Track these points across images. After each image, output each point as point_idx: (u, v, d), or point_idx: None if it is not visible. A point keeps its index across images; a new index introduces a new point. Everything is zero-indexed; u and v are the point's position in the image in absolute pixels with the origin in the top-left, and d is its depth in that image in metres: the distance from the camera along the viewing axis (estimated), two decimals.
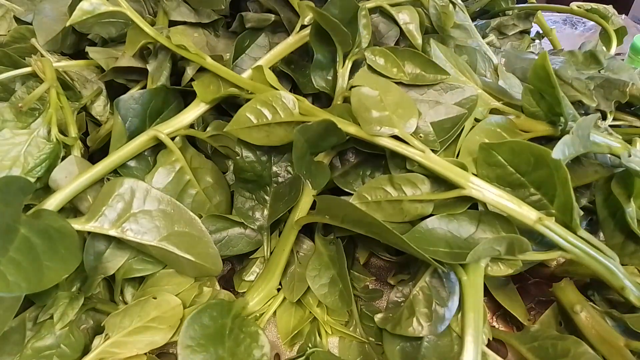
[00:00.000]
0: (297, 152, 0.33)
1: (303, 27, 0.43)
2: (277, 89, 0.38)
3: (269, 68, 0.41)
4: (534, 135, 0.37)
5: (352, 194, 0.38)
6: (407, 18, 0.44)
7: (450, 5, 0.46)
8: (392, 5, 0.44)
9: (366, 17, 0.39)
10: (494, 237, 0.32)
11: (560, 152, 0.31)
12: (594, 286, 0.37)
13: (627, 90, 0.44)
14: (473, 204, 0.33)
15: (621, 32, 0.60)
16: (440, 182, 0.34)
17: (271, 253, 0.40)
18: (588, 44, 0.55)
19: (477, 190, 0.32)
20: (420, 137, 0.35)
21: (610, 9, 0.61)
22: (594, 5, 0.61)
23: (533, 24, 0.65)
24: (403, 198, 0.34)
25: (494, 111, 0.40)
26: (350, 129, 0.35)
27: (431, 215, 0.34)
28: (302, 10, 0.43)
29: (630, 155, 0.35)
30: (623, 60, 0.71)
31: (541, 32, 0.69)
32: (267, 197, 0.40)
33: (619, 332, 0.33)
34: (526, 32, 0.65)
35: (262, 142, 0.37)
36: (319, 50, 0.40)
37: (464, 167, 0.33)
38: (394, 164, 0.36)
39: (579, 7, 0.61)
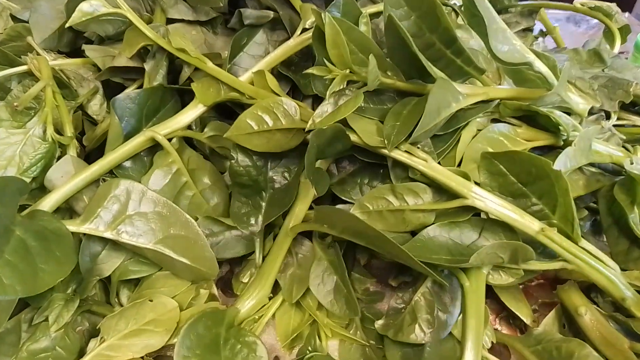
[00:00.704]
0: (310, 156, 0.33)
1: (304, 30, 0.42)
2: (278, 95, 0.38)
3: (269, 70, 0.40)
4: (537, 144, 0.36)
5: (348, 202, 0.38)
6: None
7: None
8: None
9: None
10: (498, 243, 0.31)
11: (562, 164, 0.32)
12: (598, 289, 0.37)
13: (631, 90, 0.44)
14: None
15: (625, 30, 0.60)
16: (442, 191, 0.34)
17: (264, 258, 0.39)
18: (592, 42, 0.54)
19: (479, 200, 0.32)
20: (418, 147, 0.35)
21: (613, 6, 0.60)
22: (597, 3, 0.60)
23: (536, 21, 0.64)
24: (405, 207, 0.34)
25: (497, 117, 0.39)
26: (354, 136, 0.34)
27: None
28: (304, 12, 0.42)
29: (632, 163, 0.34)
30: (627, 58, 0.70)
31: (544, 29, 0.68)
32: (262, 203, 0.39)
33: (623, 335, 0.33)
34: (529, 29, 0.65)
35: (261, 149, 0.36)
36: (322, 54, 0.39)
37: (466, 177, 0.33)
38: (396, 172, 0.36)
39: (582, 4, 0.60)
